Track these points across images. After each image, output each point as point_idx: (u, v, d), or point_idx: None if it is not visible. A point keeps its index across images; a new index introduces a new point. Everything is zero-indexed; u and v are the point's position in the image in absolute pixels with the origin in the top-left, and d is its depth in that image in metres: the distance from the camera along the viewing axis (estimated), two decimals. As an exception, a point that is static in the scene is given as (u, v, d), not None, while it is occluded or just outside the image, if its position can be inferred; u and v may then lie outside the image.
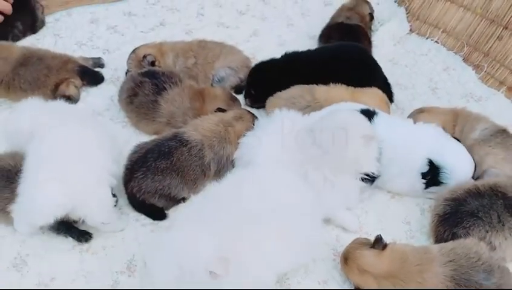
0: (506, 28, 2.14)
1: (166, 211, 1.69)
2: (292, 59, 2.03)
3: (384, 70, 2.23)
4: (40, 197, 1.45)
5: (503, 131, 1.79)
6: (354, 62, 2.02)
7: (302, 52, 2.07)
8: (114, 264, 1.55)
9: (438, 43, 2.35)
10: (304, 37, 2.44)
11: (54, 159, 1.51)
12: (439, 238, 1.57)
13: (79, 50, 2.30)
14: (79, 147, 1.55)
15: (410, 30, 2.44)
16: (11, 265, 1.53)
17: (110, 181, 1.57)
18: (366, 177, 1.67)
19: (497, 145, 1.75)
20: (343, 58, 2.03)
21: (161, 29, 2.45)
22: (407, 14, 2.46)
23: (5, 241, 1.58)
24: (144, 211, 1.68)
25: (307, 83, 1.93)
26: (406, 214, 1.74)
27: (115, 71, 2.20)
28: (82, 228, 1.60)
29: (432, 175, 1.70)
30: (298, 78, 1.95)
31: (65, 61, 2.05)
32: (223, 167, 1.76)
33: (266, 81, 1.99)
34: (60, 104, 1.77)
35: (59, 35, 2.38)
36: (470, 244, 1.46)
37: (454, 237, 1.53)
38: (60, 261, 1.55)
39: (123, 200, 1.70)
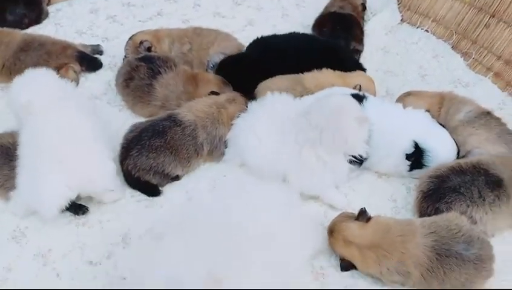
0: (493, 16, 2.19)
1: (160, 188, 1.76)
2: (258, 49, 2.08)
3: (375, 58, 2.33)
4: (43, 194, 1.53)
5: (487, 113, 1.85)
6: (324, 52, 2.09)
7: (267, 41, 2.11)
8: (109, 237, 1.61)
9: (428, 32, 2.40)
10: (298, 27, 2.49)
11: (52, 147, 1.57)
12: (423, 214, 1.62)
13: (79, 38, 2.37)
14: (75, 129, 1.62)
15: (401, 20, 2.49)
16: (11, 237, 1.61)
17: (108, 153, 1.65)
18: (354, 159, 1.74)
19: (480, 127, 1.81)
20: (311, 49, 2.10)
21: (158, 19, 2.52)
22: (399, 4, 2.51)
23: (5, 215, 1.65)
24: (139, 188, 1.75)
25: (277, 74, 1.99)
26: (393, 192, 1.80)
27: (113, 58, 2.27)
28: (80, 202, 1.67)
29: (416, 157, 1.76)
30: (266, 70, 1.99)
31: (65, 47, 2.13)
32: (215, 147, 1.83)
33: (235, 76, 2.02)
34: (59, 81, 1.79)
35: (59, 24, 2.45)
36: (451, 217, 1.52)
37: (437, 212, 1.59)
38: (58, 234, 1.62)
39: (119, 178, 1.76)
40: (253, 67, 2.01)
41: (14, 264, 1.54)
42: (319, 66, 1.99)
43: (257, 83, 1.97)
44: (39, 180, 1.54)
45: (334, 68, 1.99)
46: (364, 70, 2.09)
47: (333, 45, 2.14)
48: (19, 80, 1.71)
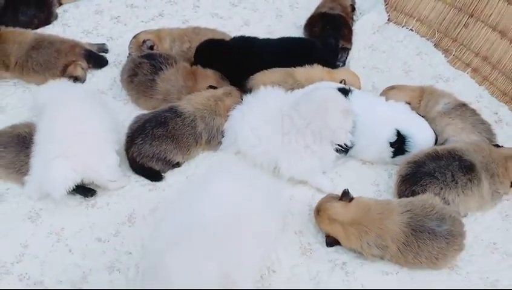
0: (472, 16, 2.35)
1: (162, 174, 1.92)
2: (239, 43, 2.24)
3: (363, 55, 2.49)
4: (52, 175, 1.68)
5: (462, 105, 2.01)
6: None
7: (250, 38, 2.29)
8: (116, 217, 1.78)
9: (412, 30, 2.56)
10: (291, 27, 2.65)
11: (63, 136, 1.74)
12: (401, 196, 1.78)
13: (85, 37, 2.51)
14: (83, 121, 1.80)
15: (388, 20, 2.64)
16: (27, 217, 1.77)
17: (112, 145, 1.81)
18: (340, 148, 1.90)
19: (456, 117, 1.97)
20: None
21: (160, 20, 2.66)
22: (386, 5, 2.66)
23: (21, 198, 1.82)
24: (143, 174, 1.91)
25: (255, 66, 2.15)
26: (376, 177, 1.96)
27: (118, 56, 2.42)
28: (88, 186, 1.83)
29: (399, 144, 1.92)
30: (244, 60, 2.17)
31: (73, 45, 2.28)
32: (213, 136, 1.99)
33: (212, 61, 2.18)
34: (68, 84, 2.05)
35: (67, 25, 2.59)
36: (426, 198, 1.68)
37: (413, 194, 1.75)
38: (69, 215, 1.78)
39: (125, 165, 1.92)
40: (228, 53, 2.19)
41: (30, 241, 1.71)
42: (292, 62, 2.15)
43: (230, 67, 2.16)
44: (48, 163, 1.69)
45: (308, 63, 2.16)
46: (336, 66, 2.25)
47: (308, 43, 2.32)
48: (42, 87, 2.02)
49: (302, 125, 1.86)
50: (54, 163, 1.68)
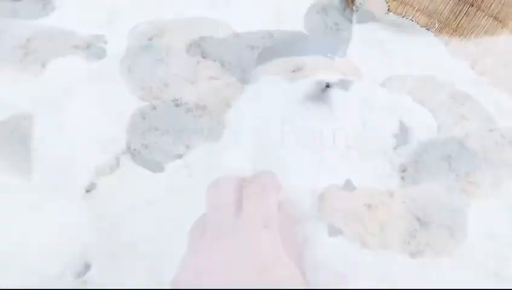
0: (472, 6, 2.35)
1: (163, 165, 1.91)
2: None
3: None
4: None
5: (464, 95, 2.01)
6: None
7: None
8: (117, 207, 1.74)
9: (412, 20, 2.56)
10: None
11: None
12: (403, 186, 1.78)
13: (83, 29, 2.45)
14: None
15: (388, 10, 2.64)
16: (28, 208, 1.72)
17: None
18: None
19: (458, 107, 1.97)
20: None
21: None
22: (385, -5, 2.67)
23: (22, 189, 1.78)
24: (144, 164, 1.88)
25: None
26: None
27: (117, 48, 2.40)
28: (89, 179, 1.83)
29: (402, 136, 1.92)
30: None
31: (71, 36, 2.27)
32: (215, 127, 1.98)
33: None
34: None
35: (63, 16, 2.57)
36: (430, 187, 1.68)
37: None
38: (70, 205, 1.74)
39: (128, 156, 1.92)
40: None
41: (31, 232, 1.68)
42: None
43: None
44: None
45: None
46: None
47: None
48: None
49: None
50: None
